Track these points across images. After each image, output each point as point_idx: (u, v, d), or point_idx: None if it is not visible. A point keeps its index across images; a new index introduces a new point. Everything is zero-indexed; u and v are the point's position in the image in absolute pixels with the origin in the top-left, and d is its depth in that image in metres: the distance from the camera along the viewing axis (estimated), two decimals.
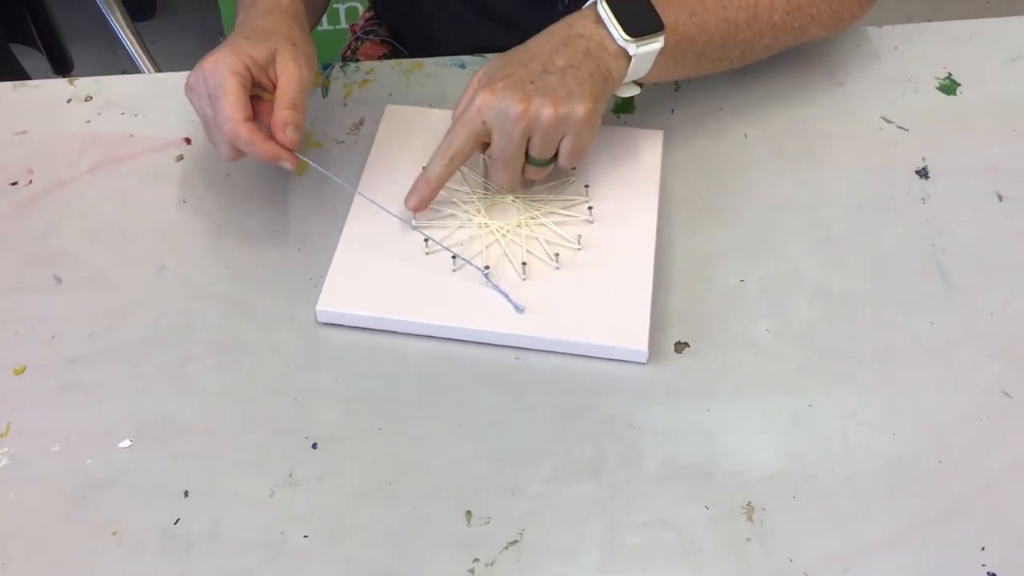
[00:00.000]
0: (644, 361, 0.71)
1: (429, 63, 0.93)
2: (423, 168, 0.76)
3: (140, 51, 1.93)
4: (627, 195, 0.80)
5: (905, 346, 0.73)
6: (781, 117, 0.88)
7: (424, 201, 0.75)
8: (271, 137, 0.73)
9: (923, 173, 0.84)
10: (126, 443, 0.68)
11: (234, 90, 0.72)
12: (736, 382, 0.71)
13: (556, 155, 0.75)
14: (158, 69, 1.96)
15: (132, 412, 0.69)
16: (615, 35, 0.74)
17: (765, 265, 0.77)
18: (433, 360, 0.72)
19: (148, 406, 0.70)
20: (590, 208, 0.79)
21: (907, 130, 0.87)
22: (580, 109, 0.72)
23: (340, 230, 0.77)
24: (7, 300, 0.75)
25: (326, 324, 0.74)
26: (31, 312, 0.74)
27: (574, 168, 0.80)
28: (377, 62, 0.93)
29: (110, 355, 0.72)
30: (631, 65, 0.76)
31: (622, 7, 0.75)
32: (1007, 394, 0.70)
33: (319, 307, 0.73)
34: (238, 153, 0.74)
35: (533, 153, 0.74)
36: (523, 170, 0.76)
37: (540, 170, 0.77)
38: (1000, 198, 0.82)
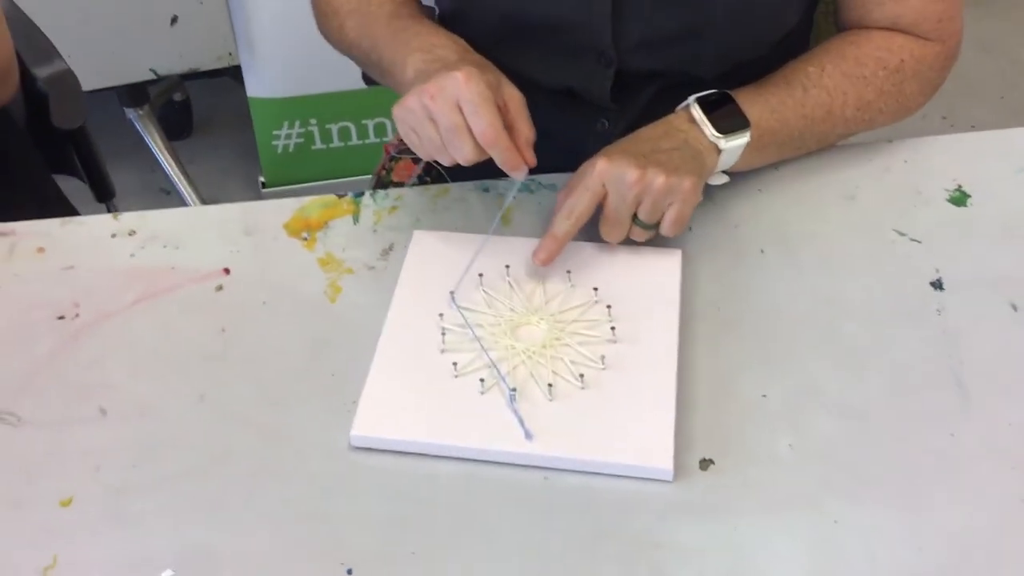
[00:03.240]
0: (670, 479, 0.73)
1: (455, 187, 0.96)
2: (548, 231, 0.85)
3: (177, 170, 2.01)
4: (648, 314, 0.82)
5: (927, 460, 0.74)
6: (796, 232, 0.91)
7: (551, 256, 0.84)
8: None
9: (937, 285, 0.86)
10: (168, 573, 0.70)
11: (493, 102, 0.80)
12: (761, 499, 0.72)
13: (658, 224, 0.84)
14: (195, 186, 2.03)
15: (173, 541, 0.71)
16: (707, 132, 0.86)
17: (786, 379, 0.79)
18: (464, 482, 0.74)
19: (189, 535, 0.72)
20: (612, 328, 0.81)
21: (920, 242, 0.89)
22: (687, 181, 0.82)
23: (372, 355, 0.80)
24: (55, 432, 0.78)
25: (359, 448, 0.76)
26: (77, 444, 0.77)
27: (598, 292, 0.84)
28: (405, 188, 0.97)
29: (153, 485, 0.74)
30: (720, 157, 0.87)
31: (713, 108, 0.87)
32: None
33: (353, 432, 0.76)
34: (478, 156, 0.81)
35: (642, 216, 0.83)
36: (629, 231, 0.85)
37: (645, 232, 0.85)
38: (1015, 308, 0.84)
